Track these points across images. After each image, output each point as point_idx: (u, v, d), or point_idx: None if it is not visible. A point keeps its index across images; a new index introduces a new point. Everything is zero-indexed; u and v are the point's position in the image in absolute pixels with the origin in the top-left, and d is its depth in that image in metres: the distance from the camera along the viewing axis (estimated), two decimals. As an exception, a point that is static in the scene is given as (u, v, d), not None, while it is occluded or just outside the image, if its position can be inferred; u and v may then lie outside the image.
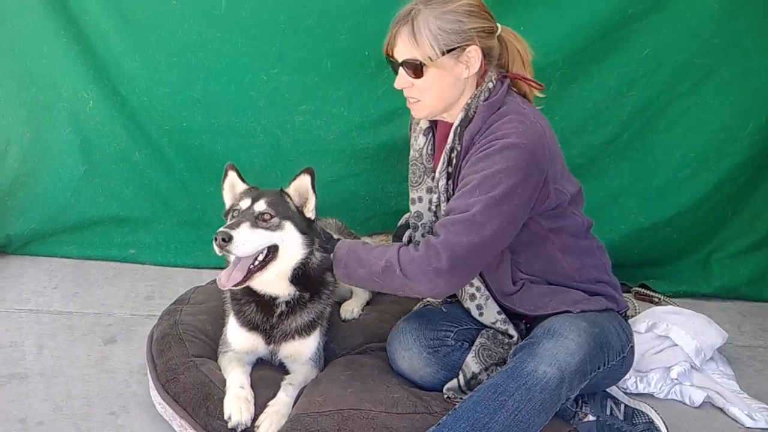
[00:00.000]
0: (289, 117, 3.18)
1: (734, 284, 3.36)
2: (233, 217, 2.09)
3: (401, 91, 2.15)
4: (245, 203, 2.09)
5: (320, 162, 3.19)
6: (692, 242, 3.41)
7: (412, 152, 2.30)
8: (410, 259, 1.97)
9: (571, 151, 2.86)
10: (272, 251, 2.06)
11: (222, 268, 2.29)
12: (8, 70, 3.11)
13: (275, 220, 2.05)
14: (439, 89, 2.08)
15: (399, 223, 2.56)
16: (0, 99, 3.15)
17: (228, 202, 2.23)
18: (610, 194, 3.30)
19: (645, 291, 3.29)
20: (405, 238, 2.37)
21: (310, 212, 2.13)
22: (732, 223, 3.40)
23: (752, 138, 3.25)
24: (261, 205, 2.06)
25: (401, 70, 2.09)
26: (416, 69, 2.05)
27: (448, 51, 2.01)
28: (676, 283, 3.35)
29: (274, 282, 2.12)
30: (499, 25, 2.10)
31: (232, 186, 2.22)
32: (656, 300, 3.22)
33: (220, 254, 1.98)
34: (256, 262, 2.04)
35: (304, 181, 2.11)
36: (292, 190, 2.14)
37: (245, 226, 1.99)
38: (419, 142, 2.26)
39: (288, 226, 2.07)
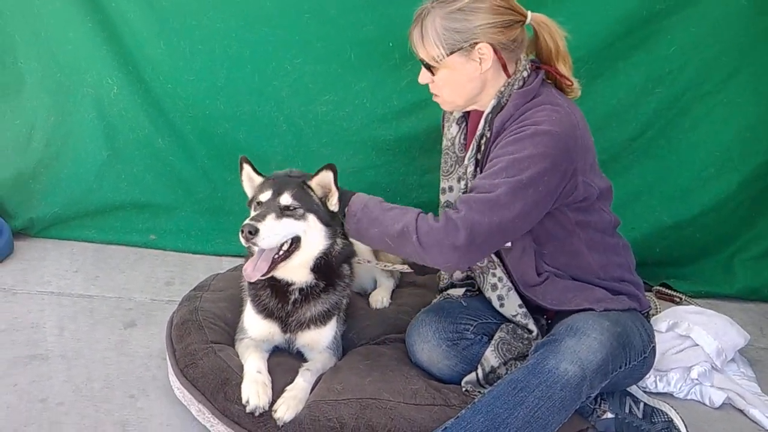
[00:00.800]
0: (312, 107, 3.17)
1: (757, 286, 3.31)
2: (257, 208, 2.09)
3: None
4: (267, 195, 2.09)
5: (341, 153, 3.18)
6: (715, 242, 3.36)
7: (444, 141, 2.29)
8: (428, 228, 1.93)
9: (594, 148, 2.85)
10: (295, 241, 2.07)
11: (242, 256, 2.31)
12: (33, 54, 3.12)
13: (299, 211, 2.06)
14: (454, 86, 2.08)
15: None
16: (25, 83, 3.16)
17: (249, 192, 2.24)
18: (633, 192, 3.26)
19: (666, 290, 3.25)
20: None
21: (333, 206, 2.13)
22: (756, 224, 3.35)
23: (778, 138, 3.21)
24: (286, 198, 2.07)
25: (423, 66, 2.09)
26: (430, 68, 2.06)
27: (455, 51, 2.00)
28: (698, 283, 3.31)
29: (296, 269, 2.14)
30: (530, 13, 2.06)
31: (250, 178, 2.23)
32: (677, 300, 3.19)
33: (245, 245, 2.00)
34: (281, 252, 2.06)
35: (327, 176, 2.10)
36: (314, 183, 2.13)
37: (271, 218, 2.00)
38: (452, 131, 2.25)
39: (311, 218, 2.08)
